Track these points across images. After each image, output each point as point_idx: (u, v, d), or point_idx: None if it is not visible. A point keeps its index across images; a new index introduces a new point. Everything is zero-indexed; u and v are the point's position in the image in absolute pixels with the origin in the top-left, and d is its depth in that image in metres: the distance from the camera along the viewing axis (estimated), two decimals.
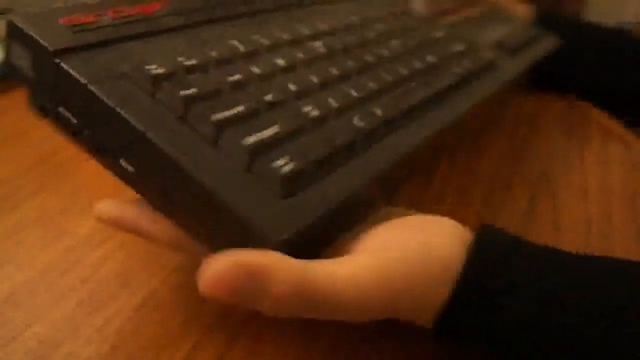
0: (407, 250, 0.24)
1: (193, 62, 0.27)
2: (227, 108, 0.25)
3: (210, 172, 0.22)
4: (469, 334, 0.24)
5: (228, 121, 0.24)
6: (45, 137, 0.43)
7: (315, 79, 0.30)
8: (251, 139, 0.24)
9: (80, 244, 0.33)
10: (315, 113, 0.27)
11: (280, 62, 0.30)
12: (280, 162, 0.23)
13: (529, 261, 0.24)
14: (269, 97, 0.27)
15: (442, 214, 0.26)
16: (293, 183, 0.23)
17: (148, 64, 0.25)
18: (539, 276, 0.24)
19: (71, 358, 0.26)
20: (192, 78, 0.26)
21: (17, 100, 0.47)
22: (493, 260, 0.24)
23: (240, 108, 0.25)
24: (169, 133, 0.23)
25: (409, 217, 0.26)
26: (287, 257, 0.21)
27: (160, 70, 0.25)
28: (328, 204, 0.23)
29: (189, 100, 0.24)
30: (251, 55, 0.30)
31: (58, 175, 0.39)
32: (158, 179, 0.24)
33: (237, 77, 0.27)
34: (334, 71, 0.31)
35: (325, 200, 0.23)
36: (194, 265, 0.31)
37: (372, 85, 0.31)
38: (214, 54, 0.28)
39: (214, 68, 0.28)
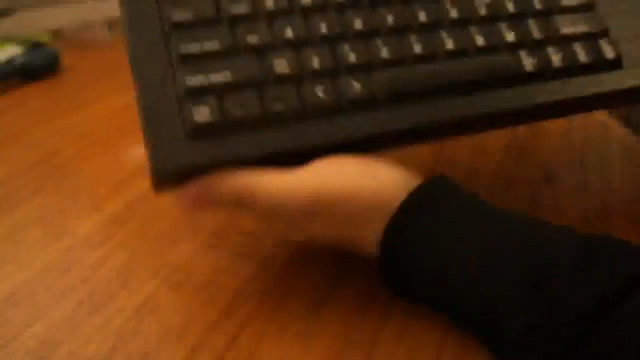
0: (349, 168, 0.26)
1: None
2: (206, 39, 0.26)
3: (151, 93, 0.25)
4: (401, 270, 0.26)
5: (193, 56, 0.26)
6: (45, 137, 0.43)
7: (309, 31, 0.29)
8: (194, 80, 0.26)
9: (80, 244, 0.33)
10: (283, 70, 0.27)
11: (293, 4, 0.29)
12: (201, 110, 0.25)
13: (457, 210, 0.26)
14: (253, 39, 0.27)
15: None
16: (203, 131, 0.25)
17: None
18: (464, 224, 0.25)
19: (71, 358, 0.26)
20: (195, 2, 0.27)
21: (17, 100, 0.47)
22: (422, 203, 0.26)
23: (213, 45, 0.26)
24: (146, 43, 0.26)
25: (363, 159, 0.27)
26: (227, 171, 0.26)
27: None
28: (218, 160, 0.26)
29: (177, 24, 0.26)
30: None
31: (58, 175, 0.39)
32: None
33: (241, 9, 0.27)
34: (326, 29, 0.29)
35: (219, 156, 0.26)
36: (194, 266, 0.31)
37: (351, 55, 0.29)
38: None
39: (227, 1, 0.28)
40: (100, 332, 0.27)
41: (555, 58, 0.31)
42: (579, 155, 0.46)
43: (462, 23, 0.31)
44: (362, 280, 0.31)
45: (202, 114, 0.25)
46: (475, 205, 0.26)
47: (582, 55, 0.32)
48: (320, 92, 0.27)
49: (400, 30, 0.30)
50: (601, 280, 0.22)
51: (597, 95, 0.32)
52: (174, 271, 0.31)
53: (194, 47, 0.26)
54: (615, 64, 0.32)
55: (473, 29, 0.31)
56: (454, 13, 0.31)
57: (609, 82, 0.32)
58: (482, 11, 0.31)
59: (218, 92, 0.26)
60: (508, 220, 0.26)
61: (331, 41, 0.29)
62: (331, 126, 0.27)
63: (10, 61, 0.51)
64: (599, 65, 0.32)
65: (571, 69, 0.31)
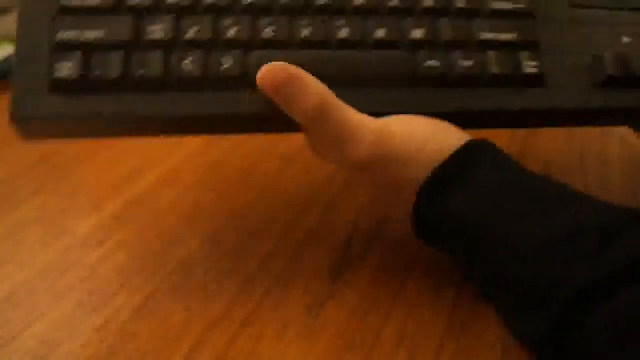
0: (412, 126, 0.27)
1: None
2: None
3: (28, 43, 0.26)
4: (438, 219, 0.26)
5: (73, 9, 0.26)
6: None
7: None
8: (66, 35, 0.26)
9: (80, 244, 0.33)
10: (158, 36, 0.27)
11: None
12: (65, 65, 0.25)
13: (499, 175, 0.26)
14: (133, 1, 0.27)
15: None
16: (63, 86, 0.26)
17: None
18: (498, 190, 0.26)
19: (71, 358, 0.26)
20: None
21: None
22: (466, 163, 0.26)
23: (94, 1, 0.27)
24: None
25: (427, 119, 0.28)
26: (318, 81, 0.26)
27: None
28: (75, 115, 0.26)
29: None
30: None
31: (58, 175, 0.39)
32: None
33: None
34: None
35: (77, 111, 0.26)
36: (193, 265, 0.31)
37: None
38: None
39: None
40: (100, 332, 0.27)
41: (463, 64, 0.29)
42: (579, 155, 0.46)
43: (365, 12, 0.29)
44: (363, 280, 0.31)
45: (65, 69, 0.25)
46: (518, 169, 0.27)
47: (494, 66, 0.29)
48: (189, 63, 0.26)
49: (293, 11, 0.28)
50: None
51: (502, 112, 0.29)
52: (174, 271, 0.31)
53: (75, 0, 0.26)
54: (537, 81, 0.29)
55: (374, 20, 0.28)
56: (359, 0, 0.29)
57: (520, 99, 0.29)
58: (393, 2, 0.29)
59: (86, 49, 0.26)
60: (547, 185, 0.27)
61: (216, 12, 0.27)
62: (196, 100, 0.27)
63: (7, 60, 0.51)
64: (516, 79, 0.29)
65: (479, 79, 0.29)
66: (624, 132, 0.50)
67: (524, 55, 0.29)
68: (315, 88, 0.26)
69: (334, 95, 0.26)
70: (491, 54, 0.29)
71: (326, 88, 0.26)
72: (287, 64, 0.26)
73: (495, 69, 0.29)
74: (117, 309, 0.28)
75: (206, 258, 0.32)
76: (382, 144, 0.26)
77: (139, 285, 0.30)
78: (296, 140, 0.44)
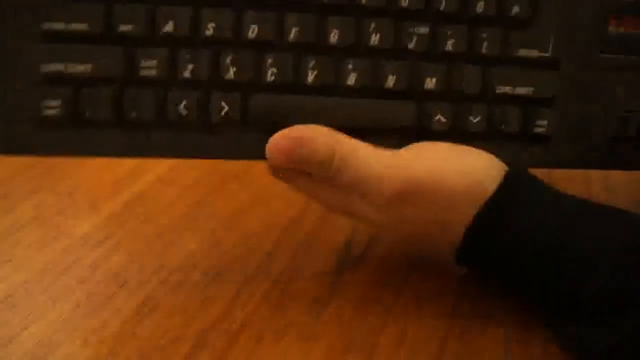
0: (442, 154, 0.26)
1: None
2: (73, 20, 0.24)
3: (10, 73, 0.24)
4: (490, 254, 0.26)
5: (57, 34, 0.24)
6: None
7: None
8: (51, 67, 0.24)
9: (77, 245, 0.32)
10: (149, 73, 0.25)
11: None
12: (52, 104, 0.24)
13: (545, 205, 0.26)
14: (126, 28, 0.24)
15: None
16: (50, 122, 0.24)
17: None
18: (549, 218, 0.26)
19: (69, 359, 0.25)
20: None
21: None
22: (518, 194, 0.26)
23: (81, 26, 0.24)
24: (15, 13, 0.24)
25: (447, 144, 0.27)
26: (324, 129, 0.25)
27: None
28: (61, 152, 0.25)
29: None
30: None
31: (55, 175, 0.38)
32: None
33: None
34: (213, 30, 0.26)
35: (64, 149, 0.25)
36: (193, 265, 0.31)
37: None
38: None
39: None
40: (99, 333, 0.27)
41: (472, 120, 0.27)
42: None
43: (378, 54, 0.27)
44: (363, 280, 0.31)
45: (52, 106, 0.24)
46: (556, 194, 0.27)
47: (504, 123, 0.28)
48: (183, 106, 0.25)
49: (299, 48, 0.26)
50: None
51: None
52: (173, 272, 0.31)
53: (58, 25, 0.24)
54: (543, 141, 0.28)
55: (388, 63, 0.26)
56: (375, 40, 0.26)
57: (523, 155, 0.29)
58: (411, 45, 0.26)
59: (75, 83, 0.24)
60: (588, 205, 0.27)
61: (215, 45, 0.25)
62: (187, 142, 0.26)
63: None
64: (523, 137, 0.28)
65: (486, 135, 0.28)
66: None
67: (535, 112, 0.28)
68: (322, 142, 0.25)
69: (346, 140, 0.26)
70: (503, 110, 0.28)
71: (336, 136, 0.25)
72: (287, 129, 0.25)
73: (505, 127, 0.28)
74: (116, 310, 0.28)
75: (206, 258, 0.32)
76: (408, 178, 0.25)
77: (138, 286, 0.30)
78: None
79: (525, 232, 0.25)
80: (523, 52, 0.28)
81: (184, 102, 0.25)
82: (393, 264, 0.32)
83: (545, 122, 0.28)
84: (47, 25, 0.24)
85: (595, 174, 0.43)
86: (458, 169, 0.26)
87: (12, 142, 0.24)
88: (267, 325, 0.28)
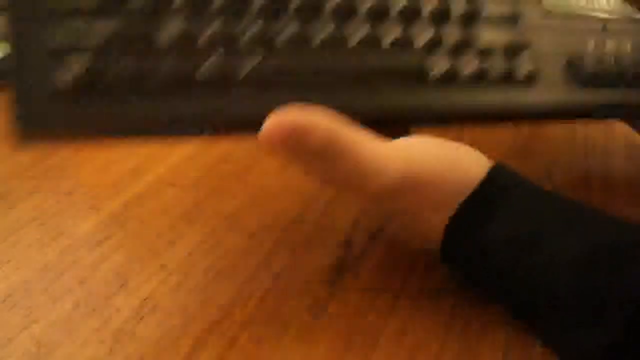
0: (434, 151, 0.27)
1: None
2: None
3: (24, 47, 0.24)
4: (469, 250, 0.27)
5: (67, 10, 0.24)
6: None
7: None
8: (65, 35, 0.24)
9: (77, 245, 0.32)
10: (169, 36, 0.25)
11: None
12: (66, 71, 0.24)
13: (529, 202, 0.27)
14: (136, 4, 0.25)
15: None
16: (64, 93, 0.24)
17: None
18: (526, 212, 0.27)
19: (69, 359, 0.25)
20: None
21: None
22: (497, 191, 0.27)
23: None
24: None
25: (440, 139, 0.28)
26: (325, 115, 0.24)
27: None
28: (78, 125, 0.24)
29: None
30: None
31: (55, 174, 0.38)
32: None
33: None
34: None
35: (82, 120, 0.24)
36: (193, 266, 0.31)
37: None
38: None
39: None
40: (98, 334, 0.27)
41: (467, 66, 0.30)
42: (583, 154, 0.46)
43: (375, 16, 0.29)
44: (363, 280, 0.31)
45: (66, 75, 0.24)
46: (544, 191, 0.28)
47: (496, 67, 0.31)
48: (210, 65, 0.25)
49: (308, 11, 0.28)
50: None
51: (503, 110, 0.32)
52: (173, 272, 0.31)
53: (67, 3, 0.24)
54: (530, 81, 0.32)
55: (388, 23, 0.29)
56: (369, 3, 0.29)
57: (517, 98, 0.32)
58: (400, 5, 0.30)
59: (90, 52, 0.24)
60: (574, 204, 0.27)
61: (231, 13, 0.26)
62: (212, 104, 0.26)
63: (5, 59, 0.51)
64: (512, 79, 0.31)
65: (481, 80, 0.30)
66: (627, 131, 0.50)
67: (520, 56, 0.32)
68: (319, 135, 0.24)
69: (345, 130, 0.25)
70: (493, 57, 0.31)
71: (334, 125, 0.25)
72: (284, 113, 0.24)
73: (496, 71, 0.31)
74: (116, 310, 0.28)
75: (206, 258, 0.32)
76: (404, 172, 0.26)
77: (138, 286, 0.30)
78: None
79: (501, 228, 0.26)
80: (489, 11, 0.32)
81: (205, 65, 0.25)
82: (393, 264, 0.32)
83: (526, 63, 0.32)
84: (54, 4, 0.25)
85: (595, 174, 0.43)
86: (451, 162, 0.27)
87: (33, 117, 0.24)
88: (267, 325, 0.28)
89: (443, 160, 0.27)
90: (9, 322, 0.27)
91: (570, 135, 0.49)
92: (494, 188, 0.27)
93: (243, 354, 0.26)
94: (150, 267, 0.31)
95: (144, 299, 0.29)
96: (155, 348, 0.26)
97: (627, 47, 0.36)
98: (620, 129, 0.51)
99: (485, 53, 0.31)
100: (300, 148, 0.24)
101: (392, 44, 0.29)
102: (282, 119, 0.24)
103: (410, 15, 0.30)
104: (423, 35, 0.30)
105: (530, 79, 0.32)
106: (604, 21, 0.37)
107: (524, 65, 0.32)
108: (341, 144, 0.24)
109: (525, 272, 0.25)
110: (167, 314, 0.28)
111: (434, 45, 0.30)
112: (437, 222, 0.27)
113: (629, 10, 0.38)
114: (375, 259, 0.32)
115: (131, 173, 0.39)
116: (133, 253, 0.32)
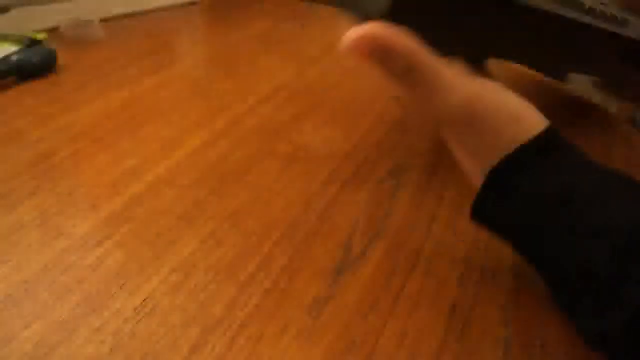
0: (499, 97, 0.28)
1: None
2: None
3: None
4: (508, 199, 0.27)
5: None
6: (43, 136, 0.42)
7: None
8: None
9: (77, 245, 0.32)
10: None
11: None
12: None
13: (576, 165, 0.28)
14: None
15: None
16: None
17: None
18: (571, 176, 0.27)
19: None
20: None
21: (13, 99, 0.47)
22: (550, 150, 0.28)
23: None
24: None
25: (509, 91, 0.29)
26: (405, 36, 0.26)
27: None
28: None
29: None
30: None
31: (55, 175, 0.38)
32: None
33: None
34: None
35: None
36: (193, 266, 0.31)
37: None
38: None
39: None
40: (98, 334, 0.27)
41: None
42: None
43: None
44: (363, 280, 0.31)
45: None
46: (587, 161, 0.29)
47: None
48: None
49: None
50: None
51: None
52: (173, 271, 0.31)
53: None
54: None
55: None
56: None
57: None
58: None
59: None
60: (627, 180, 0.28)
61: None
62: None
63: (5, 59, 0.51)
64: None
65: None
66: (627, 132, 0.50)
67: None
68: (401, 52, 0.26)
69: (424, 53, 0.26)
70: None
71: (414, 46, 0.26)
72: (370, 26, 0.25)
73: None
74: (116, 310, 0.28)
75: (206, 258, 0.32)
76: (471, 103, 0.27)
77: (138, 286, 0.30)
78: (296, 140, 0.43)
79: (545, 185, 0.27)
80: None
81: None
82: (393, 264, 0.32)
83: None
84: None
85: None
86: (510, 113, 0.28)
87: None
88: (267, 325, 0.28)
89: (503, 109, 0.28)
90: (9, 321, 0.27)
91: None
92: (548, 144, 0.28)
93: (243, 353, 0.26)
94: (149, 267, 0.31)
95: (144, 299, 0.29)
96: (155, 348, 0.26)
97: None
98: (621, 130, 0.51)
99: None
100: (382, 60, 0.26)
101: None
102: (368, 32, 0.25)
103: None
104: None
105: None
106: None
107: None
108: (424, 56, 0.26)
109: (558, 234, 0.26)
110: (166, 314, 0.28)
111: None
112: (478, 166, 0.28)
113: None
114: (375, 260, 0.32)
115: (131, 173, 0.39)
116: (132, 253, 0.32)
